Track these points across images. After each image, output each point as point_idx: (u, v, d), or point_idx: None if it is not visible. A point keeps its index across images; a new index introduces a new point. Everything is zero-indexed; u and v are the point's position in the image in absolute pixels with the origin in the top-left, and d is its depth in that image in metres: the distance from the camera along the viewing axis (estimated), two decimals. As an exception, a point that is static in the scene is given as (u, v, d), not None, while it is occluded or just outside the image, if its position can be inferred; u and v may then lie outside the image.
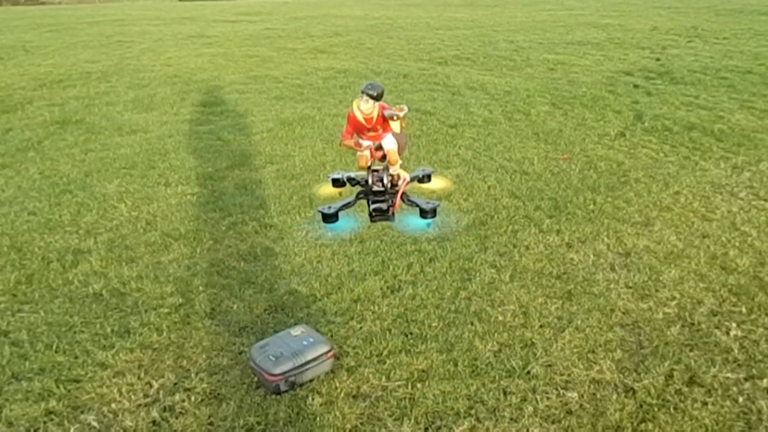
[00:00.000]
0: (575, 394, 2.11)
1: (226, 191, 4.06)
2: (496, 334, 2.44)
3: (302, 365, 2.15)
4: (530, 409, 2.05)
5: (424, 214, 2.18)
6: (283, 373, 2.11)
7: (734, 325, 2.47)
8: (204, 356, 2.36)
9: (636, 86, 6.99)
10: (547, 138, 5.07)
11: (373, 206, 1.95)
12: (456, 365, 2.26)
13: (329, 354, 2.23)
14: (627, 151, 4.69)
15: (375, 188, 2.01)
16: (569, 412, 2.03)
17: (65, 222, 3.62)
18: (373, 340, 2.41)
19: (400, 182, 2.00)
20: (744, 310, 2.58)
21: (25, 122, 6.02)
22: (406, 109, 2.04)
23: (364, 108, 1.90)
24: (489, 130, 5.37)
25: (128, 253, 3.20)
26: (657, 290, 2.74)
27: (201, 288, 2.84)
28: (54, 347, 2.42)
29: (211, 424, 2.03)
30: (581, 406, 2.06)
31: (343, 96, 6.90)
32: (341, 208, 2.05)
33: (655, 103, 6.16)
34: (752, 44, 9.75)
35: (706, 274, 2.86)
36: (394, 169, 2.02)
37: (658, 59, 8.64)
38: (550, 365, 2.26)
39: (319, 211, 2.05)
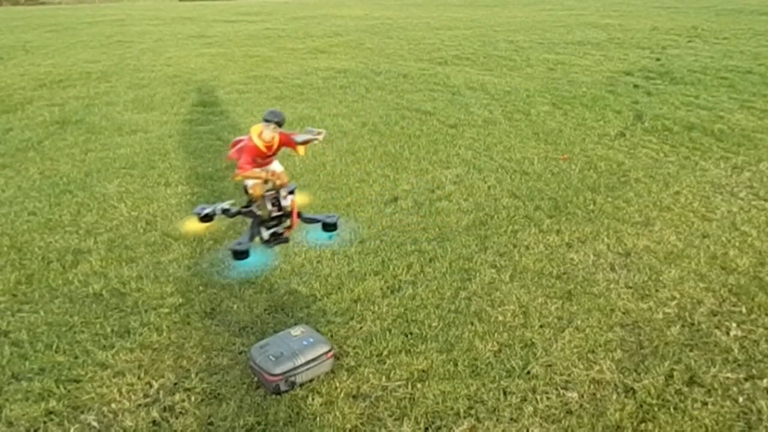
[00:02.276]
0: (575, 394, 2.11)
1: (226, 191, 4.05)
2: (496, 334, 2.44)
3: (302, 365, 2.15)
4: (530, 409, 2.05)
5: (327, 227, 2.25)
6: (283, 373, 2.11)
7: (734, 325, 2.47)
8: (204, 356, 2.36)
9: (636, 86, 6.99)
10: (547, 138, 5.07)
11: (268, 232, 1.94)
12: (456, 365, 2.26)
13: (329, 354, 2.23)
14: (627, 151, 4.69)
15: (274, 213, 2.04)
16: (569, 412, 2.03)
17: (65, 222, 3.61)
18: (373, 340, 2.41)
19: (288, 203, 2.06)
20: (744, 310, 2.58)
21: (25, 122, 6.02)
22: (324, 132, 2.14)
23: (267, 136, 1.97)
24: (489, 130, 5.37)
25: (128, 253, 3.20)
26: (657, 290, 2.73)
27: (201, 288, 2.84)
28: (54, 347, 2.42)
29: (211, 424, 2.03)
30: (581, 406, 2.06)
31: (343, 96, 6.90)
32: (251, 240, 2.03)
33: (655, 103, 6.16)
34: (752, 44, 9.74)
35: (706, 274, 2.85)
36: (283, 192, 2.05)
37: (658, 59, 8.64)
38: (550, 365, 2.26)
39: (233, 250, 2.03)
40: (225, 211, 2.00)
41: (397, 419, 2.02)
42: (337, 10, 20.22)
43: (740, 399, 2.07)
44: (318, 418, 2.03)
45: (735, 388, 2.12)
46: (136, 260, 3.13)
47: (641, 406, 2.05)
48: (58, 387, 2.20)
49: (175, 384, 2.21)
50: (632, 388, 2.13)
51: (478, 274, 2.89)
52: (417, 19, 15.86)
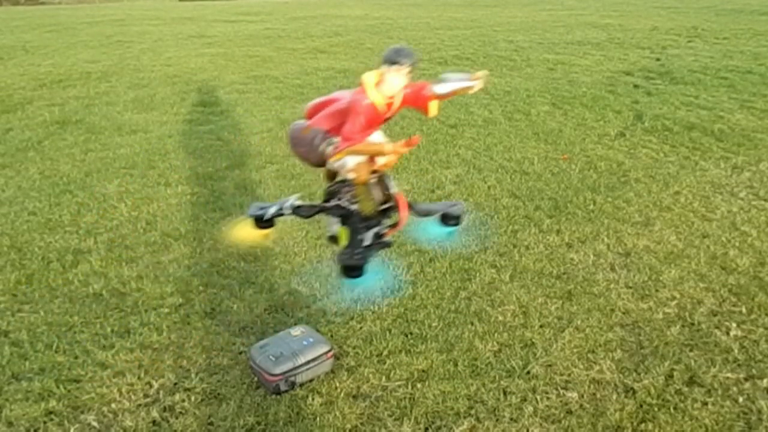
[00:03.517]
0: (575, 394, 2.11)
1: (226, 191, 4.05)
2: (496, 334, 2.44)
3: (302, 365, 2.15)
4: (530, 409, 2.05)
5: (448, 220, 1.60)
6: (283, 373, 2.11)
7: (734, 325, 2.47)
8: (204, 356, 2.36)
9: (636, 86, 6.99)
10: (547, 138, 5.07)
11: (371, 233, 1.40)
12: (456, 365, 2.26)
13: (329, 354, 2.23)
14: (627, 151, 4.69)
15: (381, 207, 1.42)
16: (569, 412, 2.03)
17: (65, 222, 3.61)
18: (373, 340, 2.41)
19: (396, 189, 1.44)
20: (744, 310, 2.58)
21: (25, 122, 6.02)
22: (484, 75, 1.49)
23: (393, 86, 1.23)
24: (489, 130, 5.37)
25: (128, 253, 3.20)
26: (657, 290, 2.74)
27: (201, 288, 2.84)
28: (54, 347, 2.42)
29: (211, 424, 2.03)
30: (581, 406, 2.06)
31: (343, 96, 6.90)
32: (360, 247, 1.40)
33: (655, 103, 6.16)
34: (752, 44, 9.74)
35: (706, 274, 2.86)
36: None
37: (658, 59, 8.64)
38: (550, 365, 2.26)
39: (344, 264, 1.40)
40: (296, 210, 1.46)
41: (397, 419, 2.02)
42: (337, 10, 20.22)
43: (740, 399, 2.07)
44: (318, 418, 2.03)
45: (735, 388, 2.12)
46: (136, 260, 3.13)
47: (641, 406, 2.05)
48: (58, 387, 2.20)
49: (175, 384, 2.21)
50: (632, 388, 2.13)
51: (478, 274, 2.89)
52: (417, 19, 15.86)
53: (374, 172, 1.37)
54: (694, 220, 3.44)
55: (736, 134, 5.03)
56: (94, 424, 2.05)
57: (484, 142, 5.01)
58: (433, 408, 2.06)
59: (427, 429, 1.99)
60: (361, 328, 2.51)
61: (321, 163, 1.44)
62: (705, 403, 2.05)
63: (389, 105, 1.28)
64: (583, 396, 2.11)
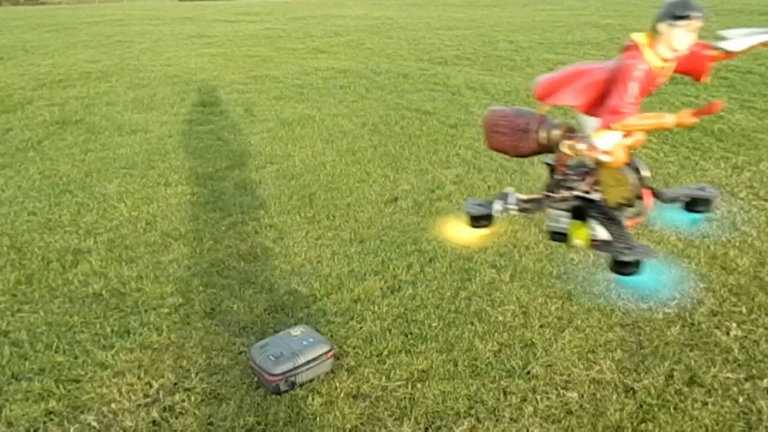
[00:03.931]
0: (575, 394, 2.11)
1: (226, 191, 4.05)
2: (496, 334, 2.44)
3: (302, 365, 2.15)
4: (530, 409, 2.05)
5: (697, 206, 1.39)
6: (283, 373, 2.11)
7: (734, 325, 2.47)
8: (204, 356, 2.36)
9: (636, 86, 6.98)
10: (547, 138, 5.07)
11: (615, 226, 1.21)
12: (456, 365, 2.26)
13: (329, 354, 2.23)
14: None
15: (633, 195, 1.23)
16: (569, 412, 2.03)
17: (65, 222, 3.61)
18: (373, 340, 2.41)
19: (645, 173, 1.25)
20: (744, 310, 2.58)
21: (25, 122, 6.02)
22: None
23: (684, 42, 1.06)
24: (489, 130, 5.36)
25: (128, 253, 3.20)
26: (657, 290, 2.73)
27: (201, 288, 2.84)
28: (54, 347, 2.42)
29: (211, 424, 2.03)
30: (581, 406, 2.06)
31: (343, 96, 6.90)
32: (628, 241, 1.26)
33: (654, 103, 6.15)
34: (752, 44, 9.73)
35: (706, 274, 2.85)
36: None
37: (658, 59, 8.64)
38: (550, 365, 2.26)
39: (617, 261, 1.22)
40: (523, 204, 1.28)
41: (397, 419, 2.02)
42: (337, 10, 20.22)
43: (740, 399, 2.07)
44: (318, 418, 2.03)
45: (735, 388, 2.12)
46: (136, 260, 3.13)
47: (641, 406, 2.05)
48: (58, 387, 2.20)
49: (175, 384, 2.21)
50: (632, 388, 2.13)
51: (478, 274, 2.89)
52: (417, 19, 15.86)
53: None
54: (694, 220, 3.44)
55: (736, 134, 5.03)
56: (94, 424, 2.05)
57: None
58: (433, 408, 2.06)
59: (427, 429, 1.99)
60: (361, 328, 2.51)
61: (529, 152, 1.27)
62: (705, 403, 2.05)
63: (664, 69, 1.08)
64: (583, 396, 2.11)
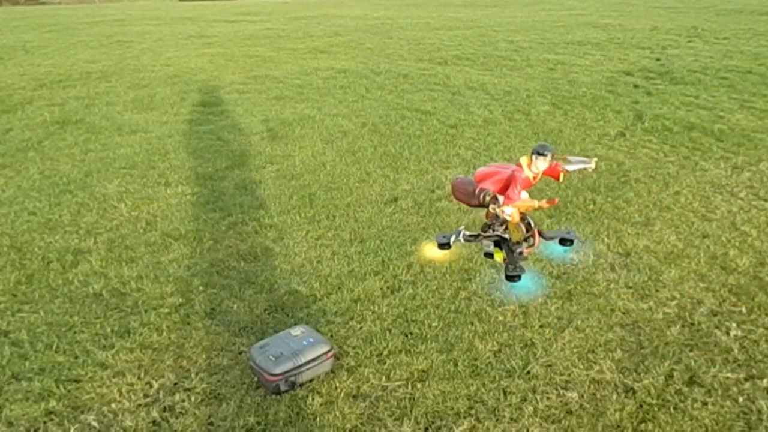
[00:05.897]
0: (575, 394, 2.11)
1: (226, 191, 4.06)
2: (496, 334, 2.44)
3: (302, 365, 2.15)
4: (530, 409, 2.05)
5: (564, 242, 2.23)
6: (283, 373, 2.11)
7: (734, 325, 2.47)
8: (204, 356, 2.36)
9: (636, 86, 6.99)
10: (547, 138, 5.07)
11: (516, 252, 2.03)
12: (456, 365, 2.26)
13: (329, 354, 2.23)
14: (627, 151, 4.69)
15: (525, 235, 2.06)
16: (569, 412, 2.03)
17: (65, 222, 3.62)
18: (373, 340, 2.41)
19: (532, 225, 2.09)
20: (744, 310, 2.58)
21: (25, 122, 6.02)
22: (596, 160, 2.04)
23: (540, 168, 1.98)
24: (489, 130, 5.37)
25: (128, 253, 3.20)
26: (657, 290, 2.74)
27: (201, 288, 2.84)
28: (54, 347, 2.42)
29: (211, 424, 2.03)
30: (581, 406, 2.06)
31: (343, 96, 6.90)
32: (515, 262, 2.04)
33: (655, 103, 6.16)
34: (752, 44, 9.74)
35: (706, 274, 2.85)
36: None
37: (658, 59, 8.64)
38: (550, 365, 2.26)
39: (508, 275, 2.02)
40: (467, 238, 2.10)
41: (397, 419, 2.02)
42: (337, 10, 20.23)
43: (740, 399, 2.07)
44: (318, 418, 2.03)
45: (735, 388, 2.12)
46: (136, 260, 3.13)
47: (641, 406, 2.05)
48: (58, 387, 2.20)
49: (175, 384, 2.21)
50: (632, 388, 2.13)
51: (478, 274, 2.89)
52: (417, 19, 15.86)
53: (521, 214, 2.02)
54: (694, 220, 3.44)
55: (736, 134, 5.03)
56: (94, 424, 2.05)
57: (484, 142, 5.01)
58: (433, 408, 2.06)
59: (427, 429, 1.99)
60: (361, 328, 2.51)
61: (475, 205, 2.05)
62: (705, 403, 2.05)
63: (535, 177, 1.93)
64: (583, 396, 2.11)
